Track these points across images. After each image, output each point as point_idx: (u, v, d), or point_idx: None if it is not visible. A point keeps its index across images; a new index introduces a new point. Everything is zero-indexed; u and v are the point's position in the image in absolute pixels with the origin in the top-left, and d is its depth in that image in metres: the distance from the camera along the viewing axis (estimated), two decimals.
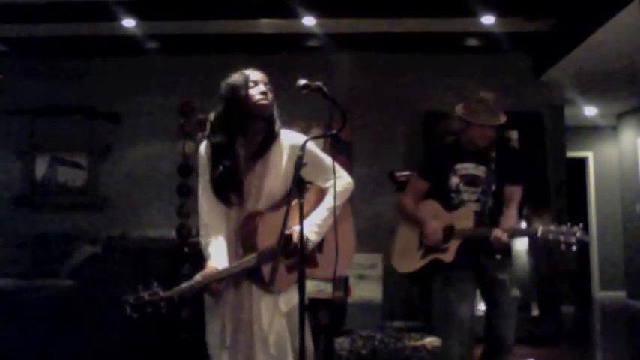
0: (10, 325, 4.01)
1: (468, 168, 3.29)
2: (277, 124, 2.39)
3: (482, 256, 3.25)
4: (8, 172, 6.74)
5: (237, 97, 2.32)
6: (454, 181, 3.29)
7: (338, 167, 2.47)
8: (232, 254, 2.33)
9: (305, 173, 2.21)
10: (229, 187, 2.32)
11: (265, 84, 2.37)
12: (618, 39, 5.05)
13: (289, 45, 6.28)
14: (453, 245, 3.21)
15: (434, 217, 3.27)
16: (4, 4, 5.39)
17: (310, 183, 2.15)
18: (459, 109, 3.31)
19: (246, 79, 2.35)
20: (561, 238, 2.94)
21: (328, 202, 2.38)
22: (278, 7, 5.35)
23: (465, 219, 3.23)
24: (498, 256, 3.23)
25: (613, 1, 4.54)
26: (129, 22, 5.69)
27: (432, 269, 3.30)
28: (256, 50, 6.19)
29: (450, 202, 3.29)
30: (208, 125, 2.39)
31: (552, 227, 2.99)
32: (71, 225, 6.49)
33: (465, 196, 3.27)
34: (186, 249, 4.31)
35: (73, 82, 6.68)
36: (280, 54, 6.07)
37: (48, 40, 6.32)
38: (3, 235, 6.25)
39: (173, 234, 4.47)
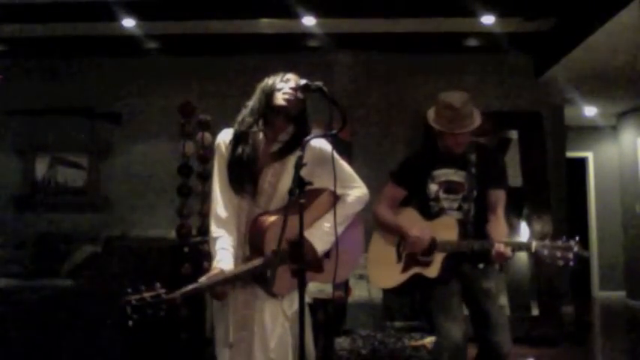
0: (11, 325, 4.01)
1: (447, 174, 3.07)
2: (308, 129, 2.39)
3: (465, 265, 3.05)
4: (8, 172, 6.75)
5: (267, 89, 2.36)
6: (433, 188, 3.07)
7: (355, 176, 2.53)
8: (240, 253, 2.32)
9: (318, 176, 2.29)
10: (245, 172, 2.32)
11: (296, 84, 2.37)
12: (618, 39, 5.05)
13: (289, 45, 6.28)
14: (438, 259, 2.97)
15: (413, 226, 3.04)
16: (4, 4, 5.39)
17: (310, 183, 2.14)
18: (430, 115, 3.07)
19: (280, 77, 2.38)
20: (558, 254, 2.76)
21: (340, 211, 2.41)
22: (278, 7, 5.35)
23: (447, 229, 2.99)
24: (481, 265, 3.05)
25: (613, 1, 4.54)
26: (129, 22, 5.69)
27: (414, 284, 3.07)
28: (256, 50, 6.20)
29: (428, 210, 3.09)
30: (240, 116, 2.41)
31: (547, 242, 2.80)
32: (71, 225, 6.50)
33: (446, 204, 3.06)
34: (186, 249, 4.30)
35: (73, 82, 6.69)
36: (280, 54, 6.07)
37: (48, 40, 6.33)
38: (3, 235, 6.25)
39: (173, 234, 4.47)
